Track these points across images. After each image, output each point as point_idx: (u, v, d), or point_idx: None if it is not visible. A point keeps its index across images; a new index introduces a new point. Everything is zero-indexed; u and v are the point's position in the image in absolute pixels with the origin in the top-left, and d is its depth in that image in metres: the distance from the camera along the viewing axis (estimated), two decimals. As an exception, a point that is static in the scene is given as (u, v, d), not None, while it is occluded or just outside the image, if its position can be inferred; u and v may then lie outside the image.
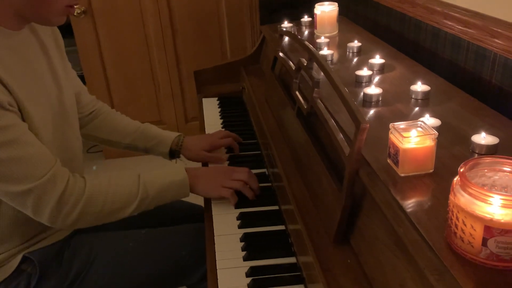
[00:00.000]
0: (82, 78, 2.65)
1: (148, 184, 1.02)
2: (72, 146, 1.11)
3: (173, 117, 2.76)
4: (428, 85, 1.04)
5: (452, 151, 0.80)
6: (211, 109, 1.63)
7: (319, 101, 1.00)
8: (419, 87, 1.03)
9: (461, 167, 0.57)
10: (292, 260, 0.92)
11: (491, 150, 0.78)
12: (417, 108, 0.99)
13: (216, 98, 1.71)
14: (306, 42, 1.11)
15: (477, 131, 0.82)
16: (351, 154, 0.77)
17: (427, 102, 1.01)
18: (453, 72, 1.26)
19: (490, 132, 0.82)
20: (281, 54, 1.39)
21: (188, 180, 1.06)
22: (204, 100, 1.71)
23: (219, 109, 1.62)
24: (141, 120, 2.94)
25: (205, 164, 1.30)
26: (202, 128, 1.51)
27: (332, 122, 0.90)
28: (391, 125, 0.76)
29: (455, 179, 0.58)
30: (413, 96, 1.03)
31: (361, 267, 0.77)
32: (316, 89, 1.01)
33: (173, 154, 1.31)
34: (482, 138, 0.79)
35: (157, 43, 2.59)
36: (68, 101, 1.10)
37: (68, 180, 0.94)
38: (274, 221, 1.04)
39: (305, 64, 1.10)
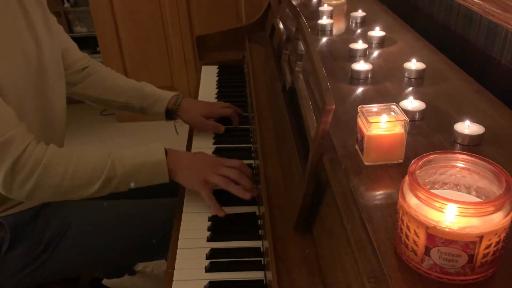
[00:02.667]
0: (94, 39, 2.62)
1: (117, 162, 0.94)
2: (53, 109, 1.07)
3: (186, 83, 2.71)
4: (426, 63, 0.94)
5: (432, 139, 0.72)
6: (208, 77, 1.57)
7: (300, 76, 0.92)
8: (414, 64, 0.93)
9: (413, 164, 0.50)
10: (258, 244, 0.88)
11: (474, 141, 0.69)
12: (407, 88, 0.89)
13: (216, 67, 1.64)
14: (297, 9, 1.02)
15: (464, 119, 0.73)
16: (315, 137, 0.70)
17: (420, 81, 0.92)
18: (463, 49, 1.14)
19: (480, 120, 0.73)
20: (279, 21, 1.30)
21: (166, 164, 0.95)
22: (204, 68, 1.64)
23: (217, 78, 1.56)
24: (154, 85, 2.91)
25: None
26: (195, 97, 1.45)
27: (307, 100, 0.83)
28: (359, 107, 0.68)
29: (406, 176, 0.50)
30: (406, 75, 0.94)
31: (318, 260, 0.71)
32: (298, 63, 0.93)
33: (170, 114, 1.24)
34: (466, 127, 0.70)
35: (171, 6, 2.51)
36: (48, 58, 1.04)
37: (27, 146, 0.89)
38: (248, 202, 0.98)
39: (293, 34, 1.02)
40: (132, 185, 0.96)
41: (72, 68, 1.21)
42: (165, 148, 0.99)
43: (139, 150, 0.98)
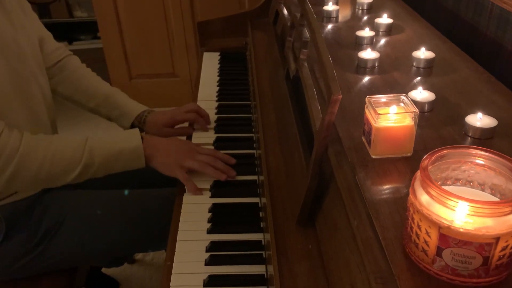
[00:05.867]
0: (95, 24, 2.58)
1: (94, 150, 0.93)
2: (32, 92, 1.02)
3: (187, 69, 2.67)
4: (435, 52, 0.91)
5: (441, 132, 0.69)
6: (210, 64, 1.53)
7: (305, 64, 0.89)
8: (423, 53, 0.90)
9: (425, 159, 0.47)
10: (259, 237, 0.85)
11: (486, 134, 0.67)
12: (415, 78, 0.86)
13: (218, 53, 1.60)
14: (302, -5, 0.98)
15: (475, 110, 0.70)
16: (320, 128, 0.67)
17: (429, 71, 0.88)
18: (472, 37, 1.10)
19: (492, 111, 0.70)
20: (283, 7, 1.26)
21: (142, 150, 0.96)
22: (205, 55, 1.61)
23: (219, 65, 1.52)
24: (155, 72, 2.86)
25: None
26: (196, 85, 1.42)
27: (312, 89, 0.80)
28: (367, 98, 0.65)
29: (417, 172, 0.48)
30: (414, 64, 0.90)
31: (321, 256, 0.69)
32: (303, 50, 0.90)
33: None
34: (478, 120, 0.67)
35: (172, -10, 2.46)
36: (25, 41, 1.00)
37: (0, 136, 0.86)
38: (250, 193, 0.96)
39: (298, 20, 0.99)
40: (110, 171, 0.97)
41: (48, 60, 1.17)
42: (141, 134, 0.99)
43: (117, 136, 0.98)
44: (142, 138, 0.98)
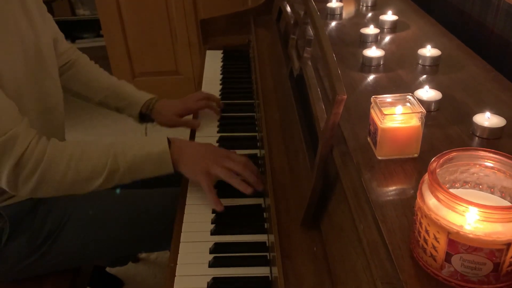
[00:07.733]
0: (97, 22, 2.57)
1: (120, 155, 0.91)
2: (51, 96, 1.04)
3: (190, 67, 2.66)
4: (441, 49, 0.90)
5: (448, 132, 0.68)
6: (213, 62, 1.52)
7: (309, 63, 0.88)
8: (428, 51, 0.88)
9: (433, 162, 0.46)
10: (263, 238, 0.84)
11: (494, 134, 0.65)
12: (421, 76, 0.85)
13: (221, 51, 1.59)
14: (305, -8, 0.97)
15: (483, 109, 0.69)
16: (325, 129, 0.66)
17: (435, 69, 0.87)
18: (479, 34, 1.09)
19: (500, 111, 0.69)
20: (287, 4, 1.25)
21: (169, 154, 0.92)
22: (208, 52, 1.59)
23: (222, 63, 1.51)
24: (158, 70, 2.85)
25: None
26: (199, 83, 1.41)
27: (316, 89, 0.79)
28: (373, 98, 0.64)
29: (425, 175, 0.47)
30: (420, 62, 0.89)
31: (326, 258, 0.68)
32: (307, 48, 0.89)
33: (145, 118, 1.21)
34: (486, 119, 0.66)
35: (175, -12, 2.45)
36: (45, 47, 1.02)
37: (30, 142, 0.86)
38: (254, 193, 0.94)
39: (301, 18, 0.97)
40: (137, 177, 0.93)
41: (59, 60, 1.18)
42: (168, 138, 0.95)
43: (142, 141, 0.96)
44: (170, 142, 0.94)
